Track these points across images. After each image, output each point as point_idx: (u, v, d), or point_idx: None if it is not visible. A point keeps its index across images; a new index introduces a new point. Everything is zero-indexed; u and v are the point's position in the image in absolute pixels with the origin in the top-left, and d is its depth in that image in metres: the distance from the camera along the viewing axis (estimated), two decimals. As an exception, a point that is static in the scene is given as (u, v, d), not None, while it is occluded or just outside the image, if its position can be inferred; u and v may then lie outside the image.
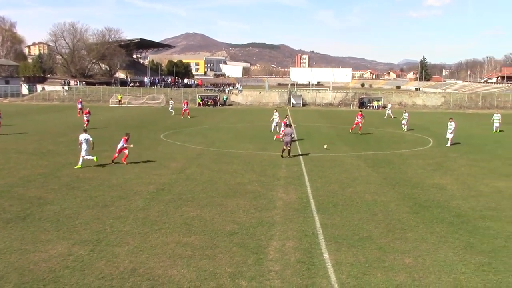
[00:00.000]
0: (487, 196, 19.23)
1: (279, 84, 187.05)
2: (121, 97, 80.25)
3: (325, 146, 25.10)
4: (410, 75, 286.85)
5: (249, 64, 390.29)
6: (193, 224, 14.98)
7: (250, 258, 12.21)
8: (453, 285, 10.78)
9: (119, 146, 24.66)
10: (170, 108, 61.52)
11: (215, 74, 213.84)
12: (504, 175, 23.40)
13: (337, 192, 19.58)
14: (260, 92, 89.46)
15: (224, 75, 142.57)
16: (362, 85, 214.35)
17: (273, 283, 10.74)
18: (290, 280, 10.91)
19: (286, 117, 36.92)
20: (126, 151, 24.79)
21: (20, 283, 10.54)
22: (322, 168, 24.54)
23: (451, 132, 33.99)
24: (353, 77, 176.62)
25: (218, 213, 16.22)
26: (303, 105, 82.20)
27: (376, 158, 28.31)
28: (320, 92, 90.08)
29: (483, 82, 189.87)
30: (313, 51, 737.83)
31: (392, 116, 58.71)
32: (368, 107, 79.59)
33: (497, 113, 46.23)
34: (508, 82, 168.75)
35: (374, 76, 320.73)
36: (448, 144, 33.78)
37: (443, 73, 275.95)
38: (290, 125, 29.99)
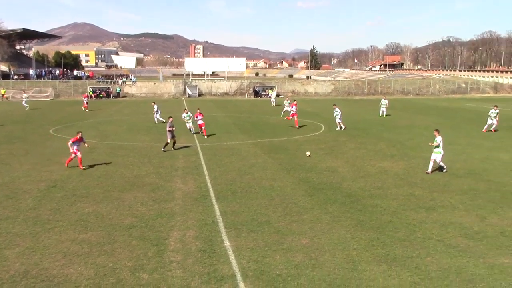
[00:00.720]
0: (374, 176, 20.51)
1: (174, 74, 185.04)
2: (4, 92, 74.81)
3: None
4: (302, 64, 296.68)
5: (142, 54, 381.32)
6: (89, 220, 14.47)
7: (151, 250, 12.07)
8: (346, 261, 11.42)
9: (73, 148, 22.15)
10: (23, 102, 58.35)
11: (106, 65, 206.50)
12: (389, 156, 25.07)
13: (236, 179, 19.87)
14: (154, 83, 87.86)
15: (116, 66, 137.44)
16: (256, 74, 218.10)
17: (175, 273, 10.72)
18: (192, 269, 10.94)
19: (198, 109, 34.29)
20: (79, 154, 22.20)
21: None
22: (220, 157, 24.74)
23: (339, 118, 35.97)
24: (247, 66, 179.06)
25: (115, 208, 15.80)
26: (199, 95, 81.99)
27: (272, 145, 29.05)
28: (215, 82, 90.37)
29: (368, 70, 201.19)
30: (207, 41, 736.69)
31: (274, 105, 60.27)
32: (263, 95, 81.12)
33: (384, 99, 49.53)
34: (390, 69, 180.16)
35: (267, 66, 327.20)
36: (338, 128, 35.74)
37: (332, 62, 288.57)
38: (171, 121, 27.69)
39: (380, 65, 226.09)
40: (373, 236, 13.10)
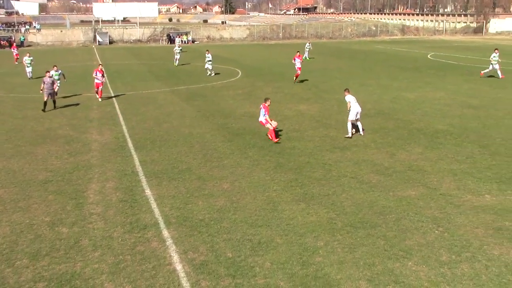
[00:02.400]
0: (291, 119, 20.99)
1: (82, 21, 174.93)
2: None
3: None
4: (216, 8, 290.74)
5: (45, 0, 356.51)
6: (0, 177, 13.81)
7: (69, 204, 11.78)
8: (267, 202, 11.79)
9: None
10: None
11: (6, 12, 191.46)
12: (305, 99, 25.66)
13: (154, 128, 19.59)
14: (61, 31, 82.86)
15: (17, 12, 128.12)
16: (170, 19, 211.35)
17: (96, 225, 10.58)
18: (113, 220, 10.84)
19: (100, 65, 27.53)
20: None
21: None
22: (136, 106, 24.18)
23: (209, 64, 35.41)
24: (160, 12, 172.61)
25: (27, 163, 15.14)
26: (110, 42, 78.55)
27: (189, 92, 28.74)
28: (127, 28, 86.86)
29: (283, 14, 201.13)
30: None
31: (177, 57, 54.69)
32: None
33: (308, 43, 50.36)
34: (304, 13, 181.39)
35: (181, 11, 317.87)
36: (208, 74, 35.36)
37: (247, 6, 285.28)
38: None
39: (294, 9, 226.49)
40: (292, 177, 13.55)
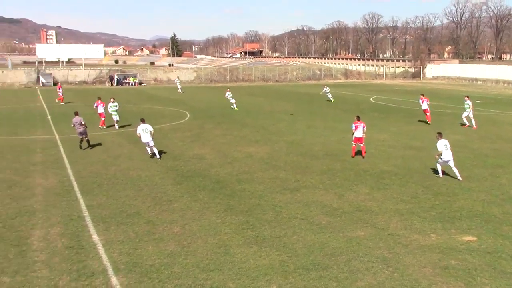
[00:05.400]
0: (240, 161, 21.08)
1: (25, 62, 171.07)
2: None
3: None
4: (163, 51, 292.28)
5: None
6: None
7: (11, 251, 11.25)
8: (218, 245, 11.68)
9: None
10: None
11: None
12: (254, 141, 25.90)
13: (101, 171, 19.16)
14: (3, 71, 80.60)
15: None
16: (116, 61, 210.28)
17: (40, 273, 10.13)
18: (59, 267, 10.42)
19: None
20: None
21: None
22: (82, 149, 23.58)
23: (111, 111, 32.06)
24: (105, 53, 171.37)
25: (-35, 209, 14.41)
26: (54, 83, 76.91)
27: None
28: (72, 69, 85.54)
29: (230, 57, 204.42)
30: (60, 26, 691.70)
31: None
32: (124, 83, 78.65)
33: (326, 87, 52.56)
34: (250, 57, 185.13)
35: (127, 53, 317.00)
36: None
37: (194, 49, 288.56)
38: (76, 113, 24.66)
39: (241, 53, 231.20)
40: (243, 220, 13.53)
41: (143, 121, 21.73)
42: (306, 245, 11.71)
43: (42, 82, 75.82)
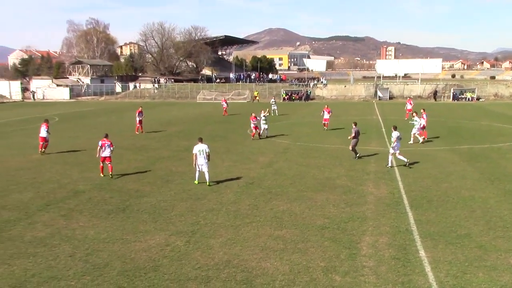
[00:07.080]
0: None
1: (364, 77, 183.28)
2: (257, 93, 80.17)
3: None
4: (506, 64, 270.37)
5: (332, 57, 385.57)
6: (283, 218, 15.04)
7: (343, 253, 12.07)
8: None
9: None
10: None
11: (298, 69, 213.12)
12: None
13: (431, 187, 18.84)
14: (345, 86, 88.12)
15: (308, 69, 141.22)
16: (453, 76, 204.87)
17: (367, 279, 10.55)
18: (385, 276, 10.65)
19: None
20: None
21: (123, 270, 11.13)
22: (414, 163, 23.66)
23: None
24: (442, 68, 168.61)
25: (308, 207, 16.17)
26: (390, 98, 79.95)
27: (472, 152, 26.91)
28: (408, 84, 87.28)
29: None
30: (399, 42, 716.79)
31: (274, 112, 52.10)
32: (460, 99, 75.87)
33: None
34: None
35: (465, 67, 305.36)
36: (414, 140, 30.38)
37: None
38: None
39: None
40: None
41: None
42: None
43: (379, 96, 79.69)
